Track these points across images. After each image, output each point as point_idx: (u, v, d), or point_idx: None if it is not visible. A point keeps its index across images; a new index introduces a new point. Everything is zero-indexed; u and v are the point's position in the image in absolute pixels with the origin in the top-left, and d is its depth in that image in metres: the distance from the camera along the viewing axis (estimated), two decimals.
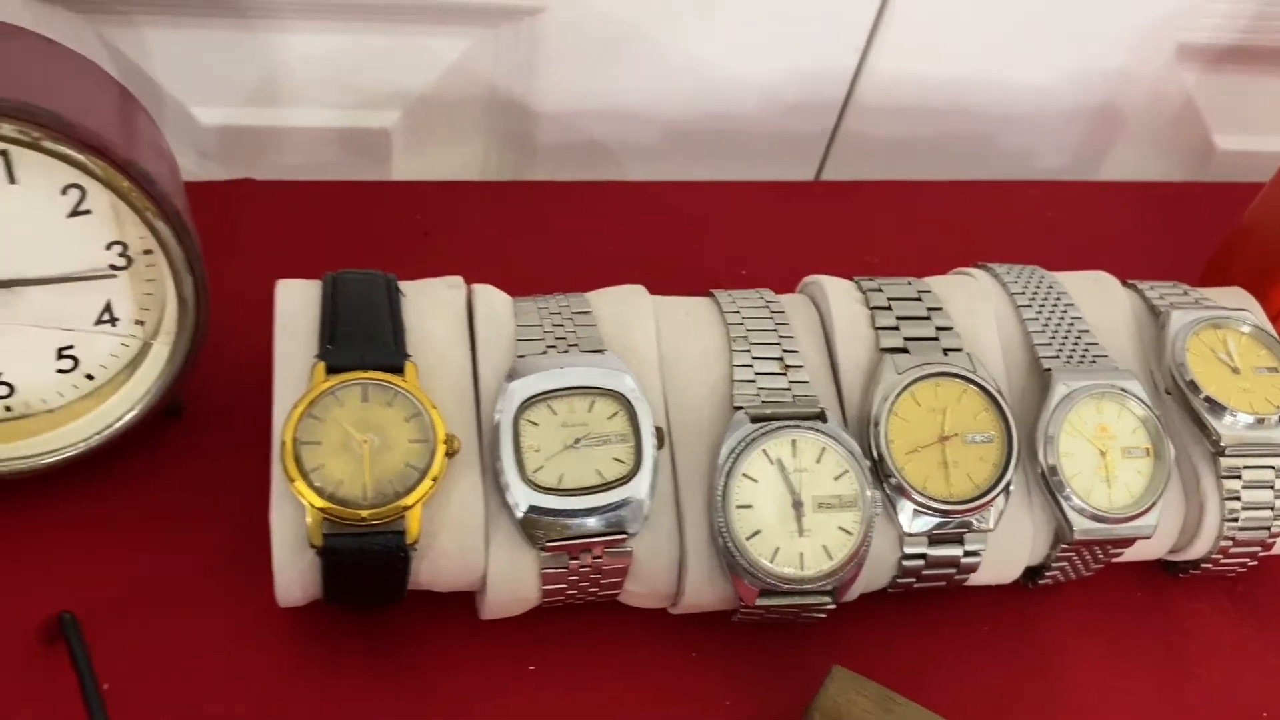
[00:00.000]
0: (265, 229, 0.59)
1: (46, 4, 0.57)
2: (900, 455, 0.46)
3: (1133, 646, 0.51)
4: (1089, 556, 0.48)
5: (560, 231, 0.63)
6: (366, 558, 0.41)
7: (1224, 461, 0.48)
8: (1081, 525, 0.46)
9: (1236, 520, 0.49)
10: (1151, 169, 0.81)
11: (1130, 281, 0.54)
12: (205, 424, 0.51)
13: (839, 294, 0.50)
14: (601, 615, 0.47)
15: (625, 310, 0.48)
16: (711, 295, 0.50)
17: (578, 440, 0.43)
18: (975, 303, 0.50)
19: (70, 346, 0.45)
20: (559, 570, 0.43)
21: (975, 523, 0.46)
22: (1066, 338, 0.50)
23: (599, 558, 0.43)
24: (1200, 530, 0.49)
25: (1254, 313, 0.53)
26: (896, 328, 0.48)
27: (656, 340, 0.48)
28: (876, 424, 0.46)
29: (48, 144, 0.39)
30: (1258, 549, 0.50)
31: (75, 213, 0.42)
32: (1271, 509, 0.49)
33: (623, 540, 0.43)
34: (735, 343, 0.47)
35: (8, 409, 0.46)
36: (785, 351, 0.47)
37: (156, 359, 0.46)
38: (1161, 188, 0.75)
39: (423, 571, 0.43)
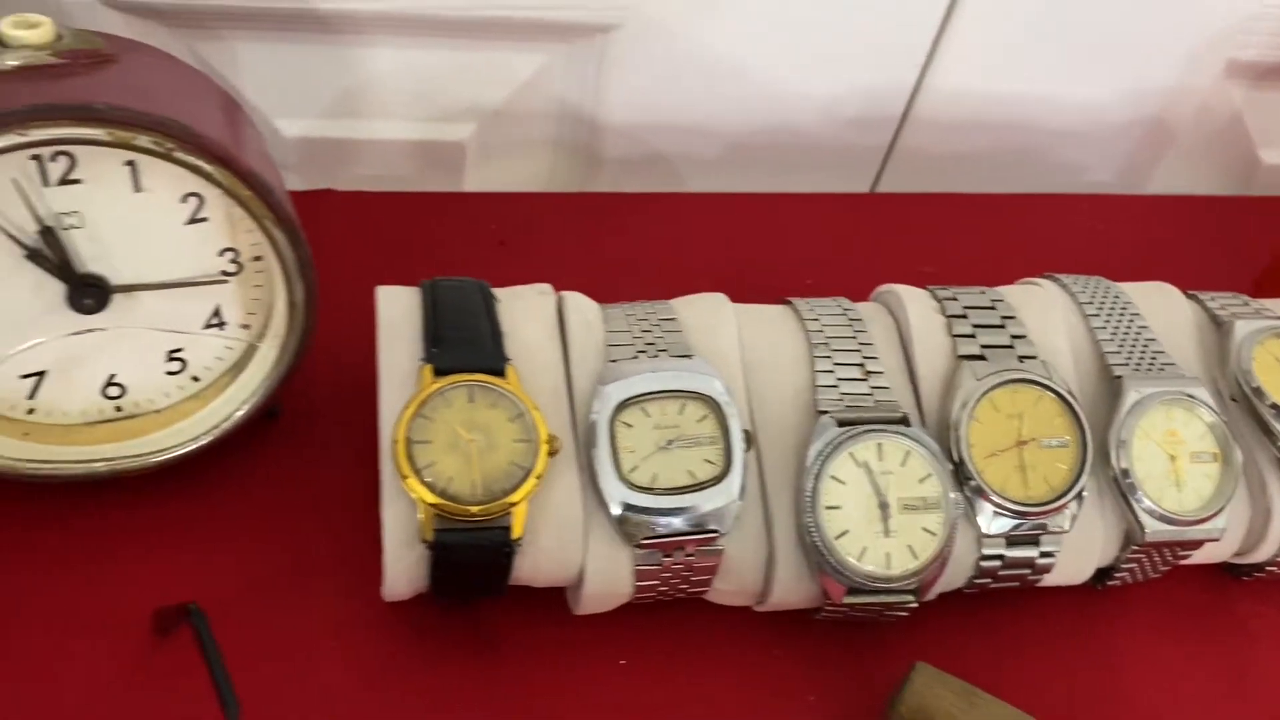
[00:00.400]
0: (349, 238, 0.61)
1: (145, 20, 0.59)
2: (980, 459, 0.47)
3: (1198, 647, 0.52)
4: (1158, 558, 0.50)
5: (629, 241, 0.65)
6: (475, 552, 0.42)
7: None
8: (1153, 527, 0.48)
9: None
10: (1198, 183, 0.82)
11: (1191, 292, 0.55)
12: (300, 427, 0.52)
13: (915, 302, 0.51)
14: (688, 612, 0.48)
15: (709, 317, 0.49)
16: (789, 303, 0.51)
17: (670, 442, 0.44)
18: (1046, 311, 0.52)
19: (180, 349, 0.47)
20: (653, 567, 0.45)
21: (1050, 525, 0.47)
22: (1134, 346, 0.51)
23: (691, 555, 0.44)
24: (1266, 534, 0.50)
25: None
26: (973, 335, 0.50)
27: (739, 346, 0.49)
28: (957, 428, 0.47)
29: (179, 154, 0.41)
30: None
31: (193, 220, 0.44)
32: None
33: (714, 539, 0.44)
34: (816, 349, 0.49)
35: (118, 409, 0.48)
36: (866, 358, 0.49)
37: (263, 361, 0.48)
38: (1208, 201, 0.76)
39: (524, 567, 0.44)
